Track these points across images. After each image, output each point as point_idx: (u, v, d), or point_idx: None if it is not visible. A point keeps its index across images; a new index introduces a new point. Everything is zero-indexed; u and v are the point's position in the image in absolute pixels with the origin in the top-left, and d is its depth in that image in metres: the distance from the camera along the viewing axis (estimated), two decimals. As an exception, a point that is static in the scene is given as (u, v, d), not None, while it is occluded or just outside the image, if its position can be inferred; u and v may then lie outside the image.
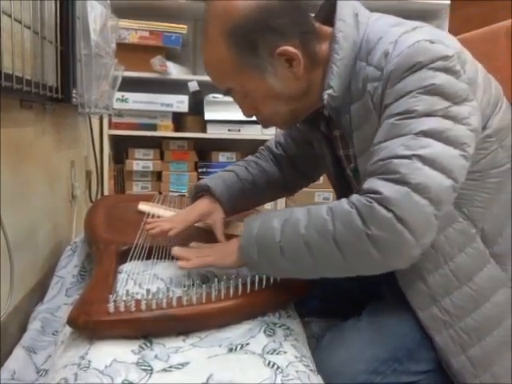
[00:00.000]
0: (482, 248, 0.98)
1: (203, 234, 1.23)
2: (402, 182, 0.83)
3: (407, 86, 0.89)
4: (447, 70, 0.89)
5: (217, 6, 0.97)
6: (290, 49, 0.95)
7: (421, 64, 0.88)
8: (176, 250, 1.03)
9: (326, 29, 1.02)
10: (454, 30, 1.67)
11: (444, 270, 0.97)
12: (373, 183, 0.86)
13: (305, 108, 1.06)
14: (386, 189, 0.84)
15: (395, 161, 0.85)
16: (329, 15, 1.02)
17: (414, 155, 0.84)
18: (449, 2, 1.85)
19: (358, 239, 0.84)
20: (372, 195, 0.85)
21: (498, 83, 1.03)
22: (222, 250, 1.03)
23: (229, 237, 1.17)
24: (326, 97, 0.98)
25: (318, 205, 0.93)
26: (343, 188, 1.18)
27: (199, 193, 1.27)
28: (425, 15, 2.98)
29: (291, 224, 0.91)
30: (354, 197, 0.88)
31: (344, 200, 0.89)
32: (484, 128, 0.95)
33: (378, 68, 0.93)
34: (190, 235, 1.17)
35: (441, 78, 0.88)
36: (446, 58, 0.89)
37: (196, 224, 1.22)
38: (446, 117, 0.87)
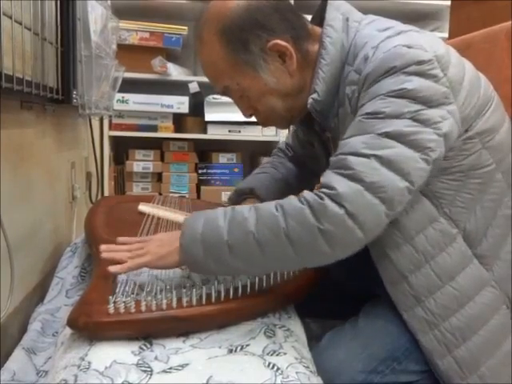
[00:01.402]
0: (464, 248, 0.99)
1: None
2: (356, 179, 0.86)
3: (380, 89, 0.90)
4: (422, 74, 0.89)
5: (209, 9, 1.03)
6: (281, 42, 0.99)
7: (395, 68, 0.89)
8: (104, 253, 0.98)
9: (319, 30, 1.04)
10: (455, 31, 1.67)
11: (426, 270, 0.97)
12: (329, 177, 0.88)
13: (300, 106, 1.07)
14: (341, 185, 0.86)
15: (353, 158, 0.87)
16: (323, 17, 1.04)
17: (373, 155, 0.86)
18: (449, 2, 1.85)
19: (310, 234, 0.86)
20: (326, 190, 0.87)
21: (489, 83, 1.03)
22: (158, 249, 0.96)
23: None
24: (310, 101, 1.01)
25: (262, 203, 0.94)
26: None
27: (242, 196, 1.29)
28: (425, 16, 2.98)
29: (238, 222, 0.90)
30: (305, 193, 0.89)
31: (292, 197, 0.91)
32: (467, 130, 0.95)
33: (357, 71, 0.95)
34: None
35: (414, 83, 0.89)
36: (421, 62, 0.89)
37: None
38: (414, 120, 0.88)
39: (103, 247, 0.99)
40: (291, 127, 1.39)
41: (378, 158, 0.86)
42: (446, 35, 1.73)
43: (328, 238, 0.86)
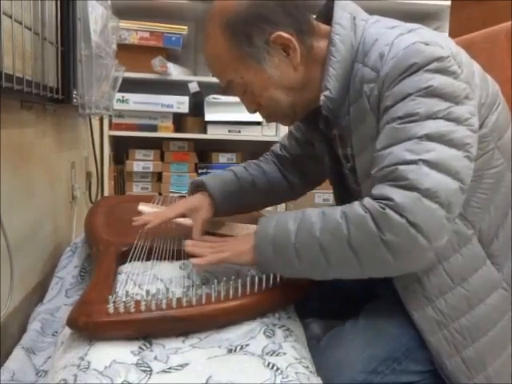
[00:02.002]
0: (478, 249, 0.99)
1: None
2: (411, 188, 0.84)
3: (405, 88, 0.89)
4: (443, 71, 0.89)
5: (214, 4, 1.03)
6: (284, 34, 0.98)
7: (416, 66, 0.89)
8: (189, 247, 1.03)
9: (325, 27, 1.04)
10: (455, 31, 1.68)
11: (438, 271, 0.97)
12: (383, 190, 0.87)
13: (304, 102, 1.07)
14: (398, 195, 0.85)
15: (402, 167, 0.86)
16: (328, 15, 1.04)
17: (420, 160, 0.85)
18: (449, 3, 1.85)
19: (372, 244, 0.86)
20: (384, 201, 0.86)
21: (495, 82, 1.04)
22: (236, 246, 1.01)
23: (221, 237, 1.17)
24: (322, 98, 1.00)
25: (331, 207, 0.94)
26: (340, 187, 1.19)
27: (195, 189, 1.28)
28: (425, 16, 2.98)
29: (306, 227, 0.91)
30: (367, 201, 0.88)
31: (357, 203, 0.90)
32: (480, 127, 0.95)
33: (373, 69, 0.95)
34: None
35: (438, 80, 0.89)
36: (441, 59, 0.89)
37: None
38: (448, 119, 0.88)
39: (189, 242, 1.05)
40: (287, 129, 1.38)
41: (426, 162, 0.85)
42: (447, 35, 1.73)
43: (391, 248, 0.85)
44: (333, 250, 0.89)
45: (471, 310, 0.98)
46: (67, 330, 0.90)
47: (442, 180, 0.85)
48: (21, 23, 1.09)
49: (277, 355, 0.85)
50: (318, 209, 0.94)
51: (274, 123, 2.85)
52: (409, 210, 0.83)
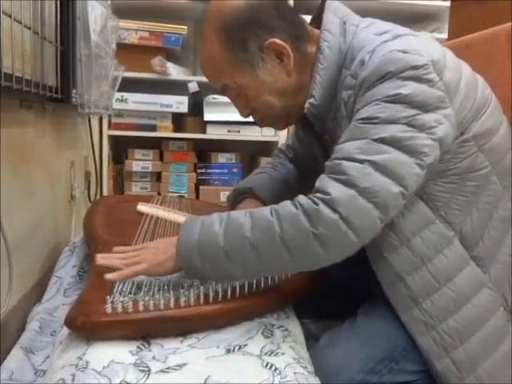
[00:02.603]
0: (461, 250, 0.99)
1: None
2: (350, 184, 0.86)
3: (376, 93, 0.90)
4: (417, 79, 0.90)
5: (211, 7, 1.03)
6: (278, 41, 0.99)
7: (391, 74, 0.90)
8: (100, 259, 0.97)
9: (317, 32, 1.04)
10: (454, 32, 1.67)
11: (423, 272, 0.98)
12: (324, 182, 0.89)
13: (297, 106, 1.07)
14: (335, 190, 0.87)
15: (347, 163, 0.88)
16: (321, 19, 1.04)
17: (367, 160, 0.87)
18: (449, 3, 1.85)
19: (305, 239, 0.87)
20: (320, 195, 0.88)
21: (486, 85, 1.03)
22: (153, 255, 0.95)
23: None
24: (306, 105, 1.01)
25: (257, 208, 0.95)
26: None
27: (241, 195, 1.29)
28: (425, 17, 2.98)
29: (234, 227, 0.91)
30: (300, 197, 0.90)
31: (287, 201, 0.91)
32: (462, 133, 0.95)
33: (353, 76, 0.96)
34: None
35: (409, 88, 0.89)
36: (416, 67, 0.90)
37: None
38: (409, 125, 0.89)
39: (99, 256, 0.98)
40: (292, 128, 1.39)
41: (372, 163, 0.87)
42: (446, 36, 1.73)
43: (322, 242, 0.87)
44: (265, 248, 0.89)
45: (458, 311, 0.98)
46: (65, 330, 0.90)
47: (383, 182, 0.87)
48: (20, 22, 1.09)
49: (275, 355, 0.85)
50: (243, 210, 0.94)
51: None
52: (343, 206, 0.85)
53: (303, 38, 1.03)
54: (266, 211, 0.91)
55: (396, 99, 0.88)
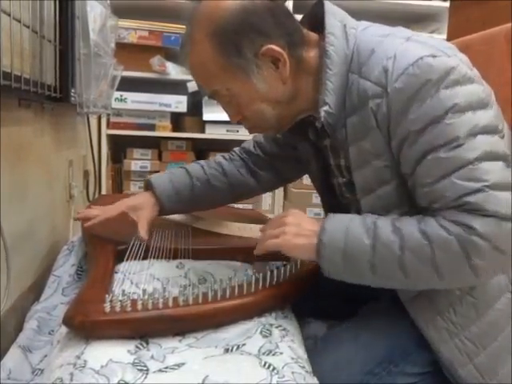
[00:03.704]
0: None
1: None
2: (489, 214, 0.86)
3: (431, 111, 0.88)
4: (460, 82, 0.88)
5: (202, 8, 0.98)
6: (275, 48, 0.94)
7: (431, 83, 0.87)
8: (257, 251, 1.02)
9: (314, 36, 1.01)
10: (454, 33, 1.67)
11: None
12: (462, 217, 0.87)
13: (292, 114, 1.04)
14: (478, 223, 0.86)
15: (472, 197, 0.86)
16: (315, 22, 1.01)
17: (484, 186, 0.86)
18: (448, 4, 1.85)
19: (459, 266, 0.88)
20: (467, 228, 0.86)
21: (488, 86, 1.03)
22: (294, 235, 0.97)
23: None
24: (322, 114, 0.97)
25: (400, 219, 0.93)
26: (330, 195, 1.18)
27: (146, 188, 1.28)
28: (424, 18, 2.98)
29: (384, 244, 0.90)
30: (449, 224, 0.88)
31: (435, 223, 0.89)
32: None
33: (378, 84, 0.91)
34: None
35: (460, 93, 0.88)
36: (453, 69, 0.88)
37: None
38: (485, 132, 0.88)
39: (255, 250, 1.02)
40: None
41: (489, 186, 0.86)
42: (445, 37, 1.73)
43: (477, 271, 0.87)
44: (414, 270, 0.89)
45: (480, 317, 0.97)
46: (64, 329, 0.89)
47: (505, 197, 0.87)
48: (19, 21, 1.09)
49: (273, 355, 0.85)
50: (388, 221, 0.93)
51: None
52: (492, 236, 0.86)
53: (300, 44, 0.99)
54: (414, 230, 0.90)
55: (457, 109, 0.87)
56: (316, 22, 1.01)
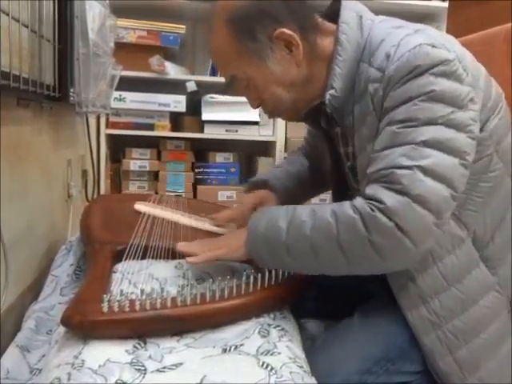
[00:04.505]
0: (472, 251, 0.99)
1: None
2: (403, 192, 0.86)
3: (408, 91, 0.90)
4: (448, 75, 0.90)
5: (221, 1, 1.05)
6: (287, 31, 0.99)
7: (421, 68, 0.89)
8: (182, 246, 1.05)
9: (330, 25, 1.05)
10: (453, 33, 1.67)
11: (433, 271, 0.98)
12: (376, 191, 0.89)
13: (306, 99, 1.08)
14: (389, 199, 0.86)
15: (397, 171, 0.87)
16: (335, 14, 1.05)
17: (415, 166, 0.87)
18: (447, 4, 1.85)
19: (360, 244, 0.88)
20: (375, 203, 0.87)
21: (498, 86, 1.04)
22: (230, 242, 1.04)
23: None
24: (327, 97, 1.01)
25: (321, 205, 0.96)
26: (341, 184, 1.20)
27: (255, 188, 1.33)
28: (423, 17, 2.99)
29: (297, 225, 0.93)
30: (358, 202, 0.90)
31: (347, 203, 0.92)
32: (480, 131, 0.95)
33: (379, 69, 0.95)
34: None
35: (442, 84, 0.89)
36: (446, 62, 0.90)
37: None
38: (448, 125, 0.88)
39: (180, 244, 1.06)
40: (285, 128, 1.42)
41: (420, 168, 0.87)
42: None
43: (378, 250, 0.87)
44: (322, 249, 0.91)
45: (465, 312, 0.98)
46: (62, 329, 0.89)
47: (434, 187, 0.86)
48: (18, 21, 1.09)
49: (271, 355, 0.85)
50: (309, 206, 0.97)
51: (272, 123, 2.86)
52: (398, 214, 0.85)
53: (313, 30, 1.03)
54: (326, 211, 0.92)
55: (431, 97, 0.88)
56: (335, 15, 1.05)
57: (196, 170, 2.88)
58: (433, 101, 0.89)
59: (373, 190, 0.90)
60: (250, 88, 1.08)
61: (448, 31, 1.77)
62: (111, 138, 2.83)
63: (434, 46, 0.91)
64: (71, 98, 1.48)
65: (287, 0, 1.00)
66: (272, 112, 1.14)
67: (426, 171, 0.86)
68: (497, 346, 1.01)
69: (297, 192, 1.35)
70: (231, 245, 1.03)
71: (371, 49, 0.98)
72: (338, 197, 1.24)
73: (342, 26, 1.01)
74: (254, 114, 2.74)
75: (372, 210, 0.87)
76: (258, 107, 1.12)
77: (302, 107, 1.10)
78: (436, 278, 0.98)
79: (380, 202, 0.87)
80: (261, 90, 1.06)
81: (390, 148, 0.90)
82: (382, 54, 0.95)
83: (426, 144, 0.87)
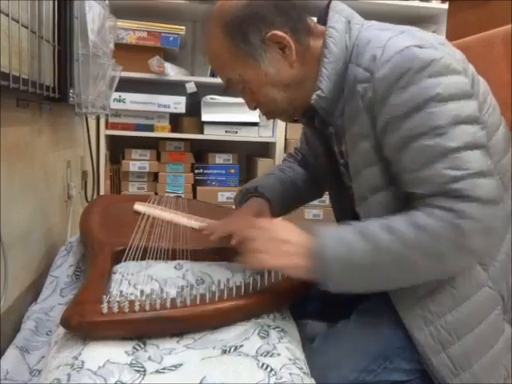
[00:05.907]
0: None
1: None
2: (471, 200, 0.88)
3: (412, 99, 0.91)
4: (445, 72, 0.92)
5: (215, 7, 1.07)
6: (279, 33, 1.02)
7: (413, 70, 0.91)
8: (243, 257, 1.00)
9: (322, 28, 1.07)
10: (452, 35, 1.68)
11: None
12: (449, 203, 0.89)
13: (301, 99, 1.09)
14: (464, 207, 0.88)
15: (456, 185, 0.89)
16: (324, 18, 1.08)
17: (467, 174, 0.89)
18: (446, 6, 1.85)
19: (456, 249, 0.90)
20: (453, 212, 0.89)
21: (485, 82, 1.05)
22: (276, 250, 0.97)
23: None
24: (314, 97, 1.04)
25: (386, 218, 0.94)
26: (338, 184, 1.21)
27: (247, 195, 1.32)
28: (422, 19, 2.99)
29: (378, 243, 0.91)
30: (435, 210, 0.90)
31: (420, 214, 0.91)
32: None
33: (366, 70, 0.97)
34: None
35: (443, 83, 0.91)
36: (436, 60, 0.91)
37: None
38: (467, 122, 0.91)
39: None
40: (301, 131, 1.44)
41: (471, 174, 0.89)
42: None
43: (474, 252, 0.92)
44: (414, 263, 0.91)
45: (457, 307, 0.99)
46: (61, 330, 0.89)
47: (489, 183, 0.90)
48: (18, 21, 1.09)
49: (271, 356, 0.85)
50: (378, 221, 0.94)
51: (271, 124, 2.86)
52: (479, 218, 0.88)
53: (305, 31, 1.05)
54: (402, 224, 0.91)
55: (440, 99, 0.90)
56: (325, 18, 1.07)
57: (196, 171, 2.88)
58: (443, 101, 0.90)
59: (444, 202, 0.90)
60: (246, 90, 1.10)
61: (447, 33, 1.77)
62: (111, 139, 2.82)
63: (421, 47, 0.93)
64: (71, 99, 1.48)
65: (279, 4, 1.02)
66: (268, 113, 1.15)
67: (476, 174, 0.89)
68: (490, 343, 1.01)
69: (289, 198, 1.36)
70: (290, 260, 0.95)
71: (358, 50, 1.00)
72: (336, 196, 1.27)
73: (329, 30, 1.04)
74: (253, 115, 2.74)
75: (456, 217, 0.88)
76: (255, 109, 1.14)
77: (298, 107, 1.12)
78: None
79: (457, 211, 0.88)
80: (256, 92, 1.09)
81: (432, 164, 0.91)
82: (368, 55, 0.97)
83: (461, 149, 0.89)
